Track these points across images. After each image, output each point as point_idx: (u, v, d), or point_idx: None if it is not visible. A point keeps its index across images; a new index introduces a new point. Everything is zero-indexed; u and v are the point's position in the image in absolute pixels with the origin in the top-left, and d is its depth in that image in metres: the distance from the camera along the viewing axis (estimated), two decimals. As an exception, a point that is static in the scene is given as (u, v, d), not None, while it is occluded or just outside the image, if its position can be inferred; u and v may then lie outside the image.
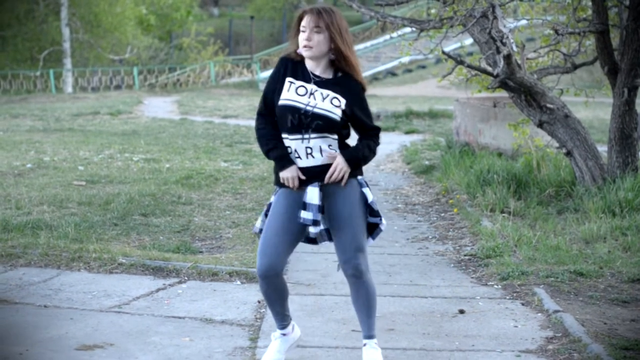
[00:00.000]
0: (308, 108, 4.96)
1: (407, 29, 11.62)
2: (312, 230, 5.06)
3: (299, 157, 5.01)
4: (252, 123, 22.36)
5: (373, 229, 5.22)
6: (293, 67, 5.06)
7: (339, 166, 4.98)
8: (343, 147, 5.08)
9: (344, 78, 5.06)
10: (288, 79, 5.03)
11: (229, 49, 46.78)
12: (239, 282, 7.22)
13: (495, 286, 7.30)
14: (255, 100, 29.71)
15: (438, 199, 11.47)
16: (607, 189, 9.79)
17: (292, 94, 4.99)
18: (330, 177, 4.98)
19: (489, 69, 10.56)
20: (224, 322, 6.20)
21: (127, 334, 5.87)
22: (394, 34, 12.05)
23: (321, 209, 5.00)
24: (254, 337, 5.88)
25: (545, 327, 6.16)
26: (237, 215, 9.95)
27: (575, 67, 11.03)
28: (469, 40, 15.78)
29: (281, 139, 5.03)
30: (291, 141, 5.01)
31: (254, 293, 6.91)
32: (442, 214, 10.52)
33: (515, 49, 9.74)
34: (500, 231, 8.93)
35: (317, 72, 5.05)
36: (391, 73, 41.50)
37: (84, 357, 5.41)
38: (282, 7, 51.44)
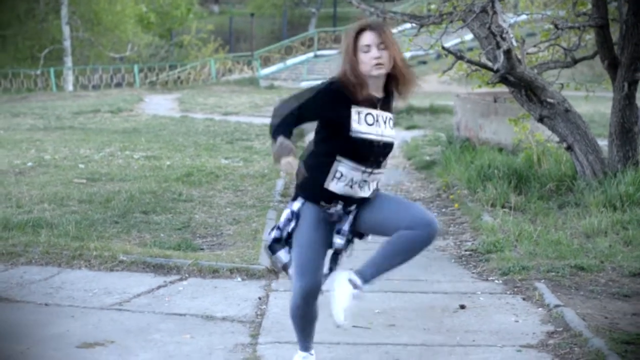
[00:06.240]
0: (379, 138, 4.64)
1: (407, 25, 11.62)
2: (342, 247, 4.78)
3: (351, 186, 4.62)
4: (253, 120, 22.36)
5: None
6: (349, 91, 4.57)
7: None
8: None
9: (390, 96, 4.73)
10: (354, 108, 4.57)
11: (229, 46, 46.72)
12: (239, 279, 7.22)
13: (496, 281, 7.30)
14: (256, 97, 29.70)
15: (439, 195, 11.47)
16: (607, 183, 9.79)
17: (363, 125, 4.57)
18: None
19: (489, 64, 10.54)
20: (224, 319, 6.20)
21: (127, 331, 5.87)
22: (394, 30, 12.05)
23: (352, 231, 4.75)
24: (255, 333, 5.89)
25: (546, 322, 6.16)
26: (237, 212, 9.95)
27: (576, 61, 11.03)
28: (469, 36, 15.74)
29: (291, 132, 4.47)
30: (350, 170, 4.61)
31: (254, 290, 6.92)
32: (443, 209, 10.52)
33: (515, 43, 9.73)
34: (501, 226, 8.92)
35: (375, 93, 4.65)
36: (392, 69, 41.38)
37: (85, 354, 5.42)
38: (283, 5, 51.40)
